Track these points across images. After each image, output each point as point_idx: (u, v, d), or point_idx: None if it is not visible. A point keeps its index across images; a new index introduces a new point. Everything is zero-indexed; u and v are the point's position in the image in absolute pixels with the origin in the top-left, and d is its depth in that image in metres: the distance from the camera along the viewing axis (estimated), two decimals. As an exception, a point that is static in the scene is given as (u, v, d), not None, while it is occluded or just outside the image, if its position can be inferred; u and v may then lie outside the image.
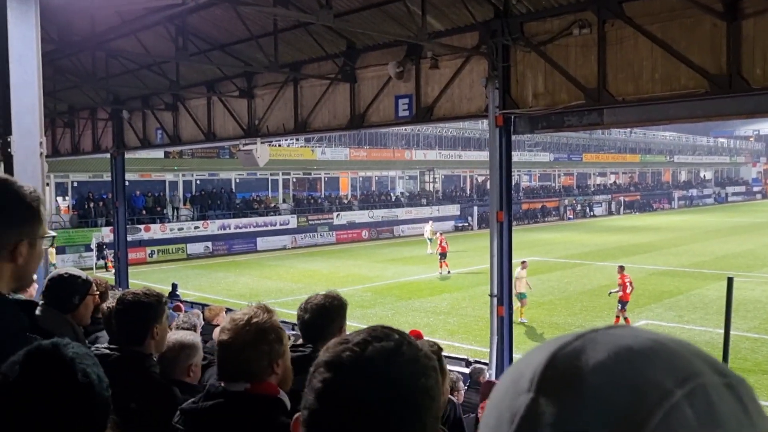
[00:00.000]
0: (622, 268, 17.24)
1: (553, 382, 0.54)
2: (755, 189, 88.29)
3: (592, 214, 59.17)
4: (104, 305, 3.54)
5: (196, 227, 35.71)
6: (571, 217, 56.60)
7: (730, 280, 9.01)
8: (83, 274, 3.56)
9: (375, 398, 0.94)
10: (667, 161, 76.88)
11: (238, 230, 37.07)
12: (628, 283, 16.77)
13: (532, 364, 0.56)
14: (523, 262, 18.21)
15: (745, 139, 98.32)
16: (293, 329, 9.53)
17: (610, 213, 60.97)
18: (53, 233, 1.92)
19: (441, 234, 28.30)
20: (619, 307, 16.72)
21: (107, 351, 2.94)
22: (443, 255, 26.13)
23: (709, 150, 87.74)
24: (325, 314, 3.05)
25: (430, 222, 36.36)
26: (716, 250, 32.43)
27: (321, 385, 0.96)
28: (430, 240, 32.43)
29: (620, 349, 0.55)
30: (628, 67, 9.40)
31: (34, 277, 4.86)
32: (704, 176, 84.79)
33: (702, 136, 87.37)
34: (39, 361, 1.14)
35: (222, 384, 2.24)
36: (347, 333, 1.05)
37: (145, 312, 2.97)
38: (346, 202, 45.52)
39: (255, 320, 2.22)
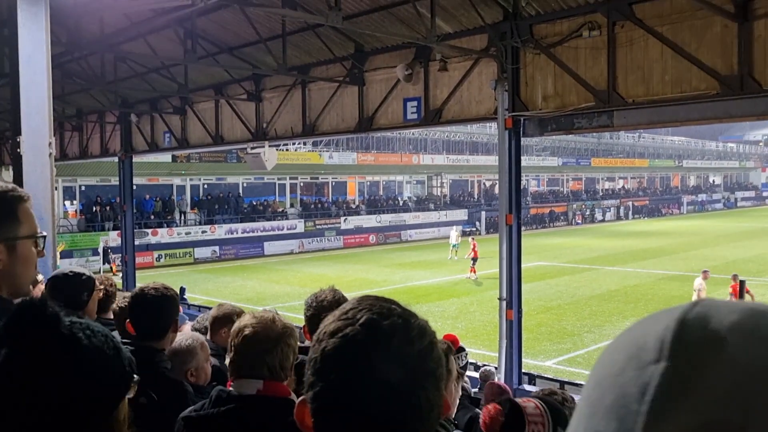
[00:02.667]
0: (736, 277, 15.73)
1: (688, 346, 0.49)
2: (765, 194, 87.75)
3: (600, 219, 58.98)
4: (115, 305, 3.53)
5: (203, 231, 35.78)
6: (580, 222, 56.43)
7: (742, 283, 8.93)
8: (86, 271, 3.55)
9: (388, 369, 0.93)
10: (676, 166, 76.55)
11: (246, 235, 37.11)
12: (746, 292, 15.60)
13: (653, 334, 0.51)
14: (705, 272, 17.07)
15: (755, 144, 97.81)
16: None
17: (618, 218, 60.76)
18: (44, 233, 1.79)
19: (473, 239, 27.94)
20: None
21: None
22: (475, 260, 25.86)
23: (718, 155, 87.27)
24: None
25: (455, 227, 35.89)
26: (726, 254, 32.24)
27: (332, 355, 0.95)
28: (455, 246, 32.05)
29: (748, 310, 0.52)
30: (638, 69, 9.33)
31: (40, 277, 4.81)
32: (713, 181, 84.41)
33: (711, 141, 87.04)
34: (23, 310, 1.06)
35: (230, 389, 2.20)
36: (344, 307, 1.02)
37: (167, 305, 2.95)
38: (353, 206, 45.53)
39: (280, 319, 2.29)
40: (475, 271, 25.77)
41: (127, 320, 3.09)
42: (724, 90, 8.50)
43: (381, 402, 0.92)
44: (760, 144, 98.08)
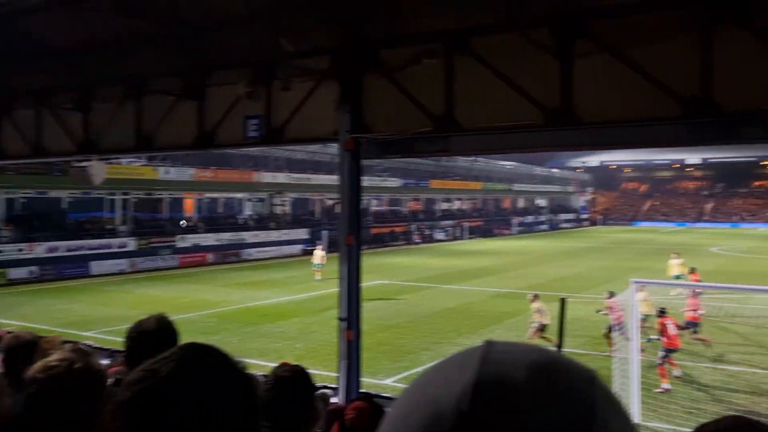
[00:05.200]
0: (694, 269, 15.34)
1: (485, 416, 0.51)
2: (583, 216, 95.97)
3: (438, 238, 61.33)
4: None
5: (19, 249, 32.71)
6: (419, 241, 58.28)
7: (563, 301, 9.52)
8: None
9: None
10: (507, 189, 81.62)
11: (69, 253, 34.42)
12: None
13: (449, 400, 0.52)
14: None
15: (575, 170, 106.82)
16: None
17: (455, 238, 63.50)
18: None
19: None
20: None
21: None
22: None
23: (544, 179, 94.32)
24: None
25: (319, 247, 34.52)
26: (550, 273, 34.69)
27: (125, 407, 0.88)
28: (318, 266, 30.96)
29: (538, 364, 0.54)
30: (474, 98, 9.73)
31: None
32: (540, 204, 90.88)
33: (538, 166, 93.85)
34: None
35: None
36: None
37: None
38: (190, 224, 43.86)
39: (75, 366, 1.95)
40: None
41: None
42: (549, 121, 9.09)
43: None
44: (579, 170, 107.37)
